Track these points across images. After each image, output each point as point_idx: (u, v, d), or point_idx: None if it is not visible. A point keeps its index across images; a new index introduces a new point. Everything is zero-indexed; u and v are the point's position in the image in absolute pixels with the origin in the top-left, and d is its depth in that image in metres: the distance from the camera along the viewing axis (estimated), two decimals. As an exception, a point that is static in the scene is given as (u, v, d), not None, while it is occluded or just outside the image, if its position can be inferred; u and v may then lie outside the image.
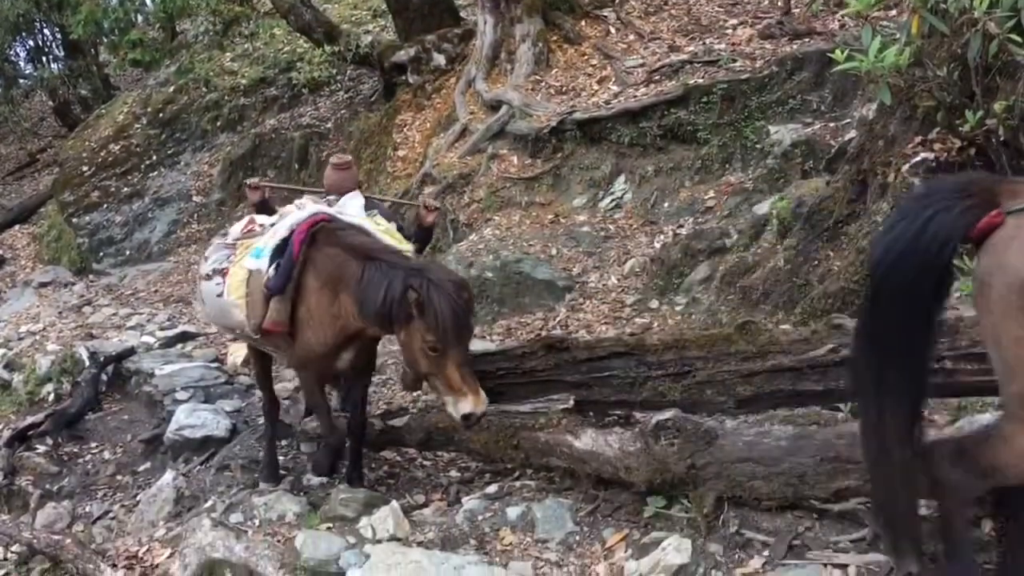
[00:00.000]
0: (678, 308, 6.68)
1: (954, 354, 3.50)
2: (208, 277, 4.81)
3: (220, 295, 4.67)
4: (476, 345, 6.07)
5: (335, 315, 4.34)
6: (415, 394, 6.12)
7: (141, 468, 5.92)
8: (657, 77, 8.92)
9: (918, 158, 4.88)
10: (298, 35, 12.86)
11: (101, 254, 12.54)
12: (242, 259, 4.65)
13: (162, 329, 8.78)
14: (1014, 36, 4.27)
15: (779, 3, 9.36)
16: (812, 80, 8.02)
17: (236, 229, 5.04)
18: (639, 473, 3.83)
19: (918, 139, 4.99)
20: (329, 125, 12.23)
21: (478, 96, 9.93)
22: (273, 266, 4.46)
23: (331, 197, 5.08)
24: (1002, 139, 4.45)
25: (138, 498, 5.36)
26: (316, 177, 11.49)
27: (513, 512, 4.11)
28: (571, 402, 4.32)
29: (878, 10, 5.11)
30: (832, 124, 7.60)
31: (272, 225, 4.78)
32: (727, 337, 4.08)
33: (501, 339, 6.81)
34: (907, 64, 4.51)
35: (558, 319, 6.97)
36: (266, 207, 5.41)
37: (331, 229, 4.53)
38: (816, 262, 5.57)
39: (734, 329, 4.12)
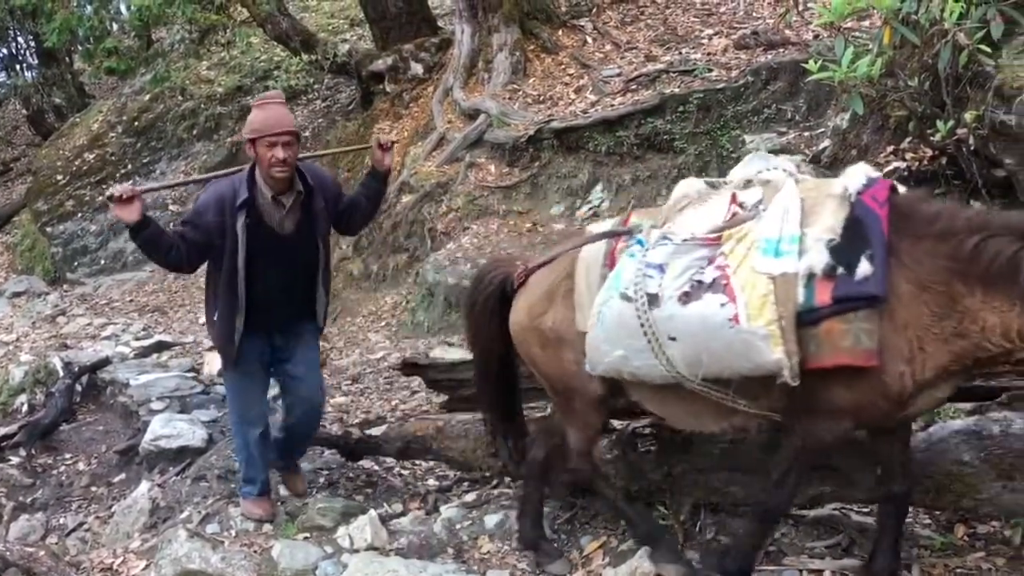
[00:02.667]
0: (655, 316, 6.69)
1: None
2: (685, 298, 3.02)
3: (730, 323, 2.91)
4: (453, 353, 6.08)
5: (956, 331, 2.79)
6: (393, 403, 6.12)
7: (116, 479, 5.86)
8: (634, 86, 8.96)
9: (891, 167, 4.95)
10: (275, 44, 12.83)
11: (75, 264, 12.42)
12: (746, 261, 2.99)
13: (137, 339, 8.72)
14: (983, 47, 4.35)
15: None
16: (787, 90, 8.10)
17: (710, 214, 3.21)
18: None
19: (891, 148, 5.06)
20: (307, 133, 12.18)
21: (456, 105, 9.94)
22: (823, 263, 2.86)
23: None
24: (972, 148, 4.53)
25: (113, 509, 5.30)
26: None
27: (491, 520, 4.11)
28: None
29: (850, 21, 5.20)
30: (807, 133, 7.67)
31: (759, 202, 3.12)
32: (703, 344, 4.10)
33: (479, 347, 6.80)
34: (879, 74, 4.58)
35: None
36: None
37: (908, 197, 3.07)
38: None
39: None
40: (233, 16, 12.49)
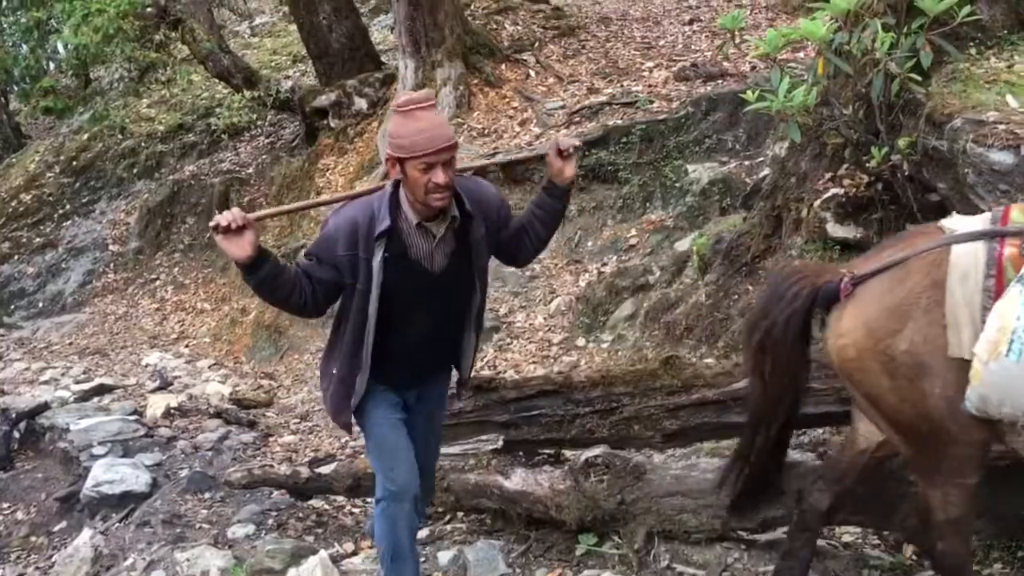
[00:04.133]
0: (604, 345, 6.74)
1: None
2: None
3: None
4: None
5: None
6: (343, 440, 6.04)
7: (56, 528, 5.68)
8: (577, 119, 9.07)
9: (829, 194, 5.05)
10: (217, 81, 12.75)
11: (12, 307, 12.09)
12: None
13: (77, 382, 8.49)
14: (914, 76, 4.47)
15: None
16: (727, 120, 8.26)
17: None
18: (570, 511, 3.83)
19: (828, 175, 5.16)
20: (250, 170, 12.10)
21: (401, 139, 9.93)
22: None
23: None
24: (907, 174, 4.63)
25: (54, 559, 5.13)
26: (237, 223, 11.36)
27: (445, 556, 4.07)
28: (500, 442, 4.32)
29: (786, 52, 5.32)
30: (747, 162, 7.82)
31: None
32: (652, 372, 4.14)
33: (429, 382, 6.76)
34: (815, 103, 4.68)
35: (486, 360, 6.96)
36: None
37: None
38: (736, 296, 5.69)
39: (659, 364, 4.18)
40: (173, 54, 12.39)
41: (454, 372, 3.63)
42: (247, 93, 11.85)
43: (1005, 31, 4.81)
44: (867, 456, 3.09)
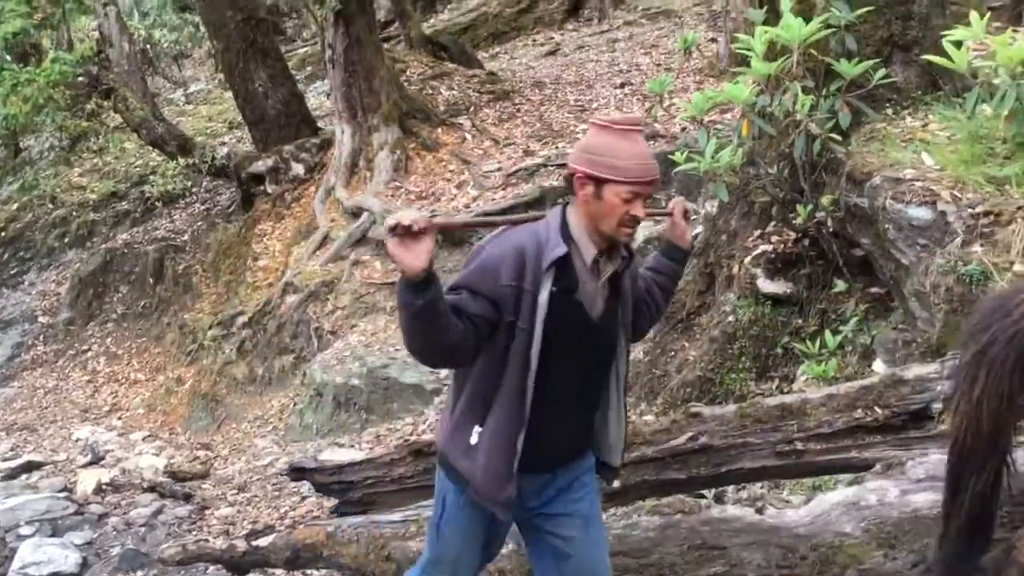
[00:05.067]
0: (546, 405, 6.74)
1: (803, 435, 3.67)
2: None
3: None
4: (341, 455, 5.94)
5: None
6: (282, 510, 5.91)
7: (-20, 614, 5.44)
8: (514, 180, 9.20)
9: (758, 251, 5.18)
10: (151, 148, 12.65)
11: (-64, 382, 11.68)
12: None
13: (4, 460, 8.19)
14: (834, 136, 4.65)
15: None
16: (659, 180, 8.43)
17: None
18: (512, 574, 3.78)
19: (757, 232, 5.29)
20: (185, 237, 11.96)
21: (338, 204, 9.95)
22: None
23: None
24: (831, 230, 4.79)
25: (-24, 648, 4.90)
26: (173, 292, 11.20)
27: (387, 628, 3.97)
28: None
29: (713, 114, 5.49)
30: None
31: None
32: (592, 431, 4.14)
33: (370, 447, 6.68)
34: (741, 163, 4.84)
35: (428, 423, 6.91)
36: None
37: None
38: (673, 353, 5.76)
39: (599, 423, 4.19)
40: (106, 122, 12.29)
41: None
42: (182, 160, 11.79)
43: (919, 92, 5.04)
44: None
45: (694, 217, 2.99)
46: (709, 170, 4.75)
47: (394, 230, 2.29)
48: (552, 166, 9.14)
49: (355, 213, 9.61)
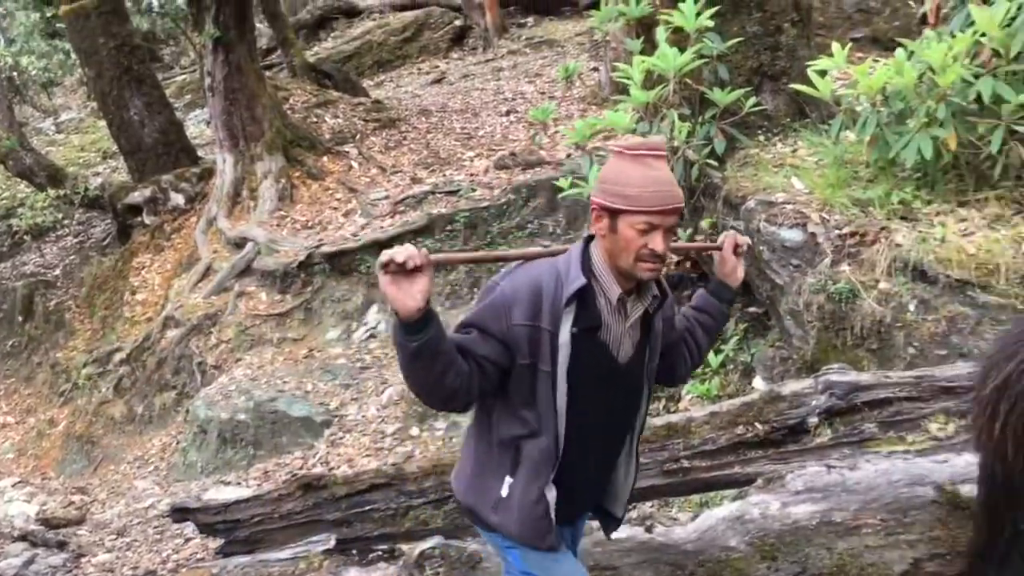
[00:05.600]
0: (438, 433, 6.70)
1: (689, 452, 3.75)
2: None
3: None
4: (227, 493, 5.76)
5: None
6: (164, 554, 5.68)
7: None
8: (402, 208, 9.16)
9: (643, 273, 5.28)
10: (19, 180, 12.08)
11: None
12: None
13: None
14: (711, 161, 4.82)
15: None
16: (546, 206, 8.56)
17: None
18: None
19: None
20: (57, 272, 11.43)
21: (221, 234, 9.70)
22: None
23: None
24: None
25: None
26: (44, 329, 10.67)
27: (278, 670, 3.85)
28: (332, 542, 4.16)
29: (596, 140, 5.61)
30: (567, 245, 8.09)
31: None
32: (484, 458, 4.13)
33: (258, 483, 6.49)
34: (623, 189, 4.93)
35: (318, 456, 6.76)
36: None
37: None
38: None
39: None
40: (-31, 152, 11.68)
41: None
42: (52, 192, 11.30)
43: (788, 119, 5.27)
44: None
45: (745, 250, 2.79)
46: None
47: (387, 267, 2.11)
48: (440, 193, 9.15)
49: (238, 244, 9.39)
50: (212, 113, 10.39)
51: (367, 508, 4.18)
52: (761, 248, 4.37)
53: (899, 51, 4.27)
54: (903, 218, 4.12)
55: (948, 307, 3.83)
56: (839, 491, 3.44)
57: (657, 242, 2.26)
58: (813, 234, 4.20)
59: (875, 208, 4.20)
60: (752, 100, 4.74)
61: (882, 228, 4.09)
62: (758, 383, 4.56)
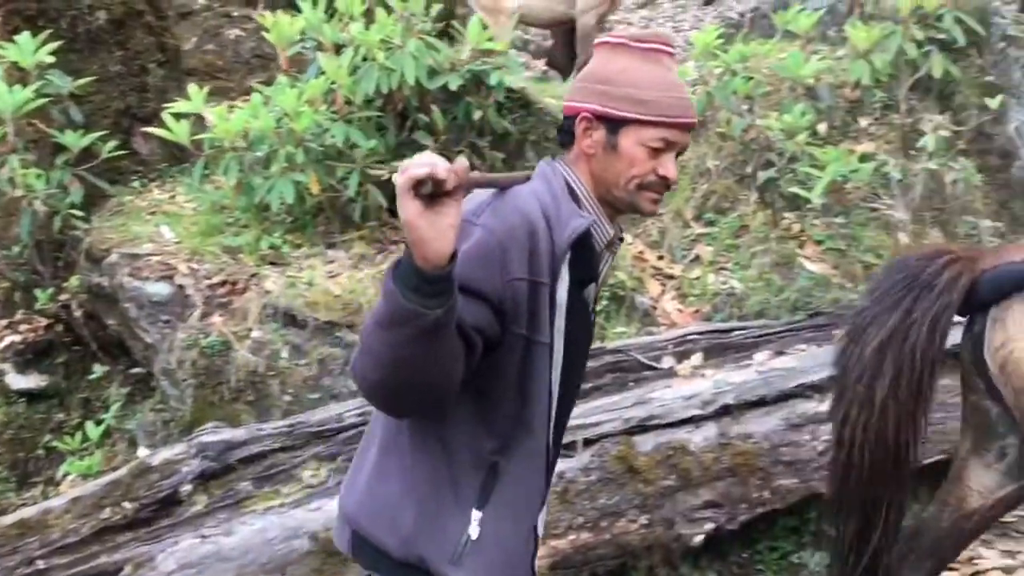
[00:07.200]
0: None
1: (47, 550, 3.27)
2: None
3: None
4: None
5: None
6: None
7: None
8: None
9: (6, 342, 4.60)
10: None
11: None
12: None
13: None
14: (76, 211, 4.32)
15: None
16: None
17: None
18: None
19: (5, 322, 4.72)
20: None
21: None
22: None
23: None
24: (83, 312, 4.44)
25: None
26: None
27: None
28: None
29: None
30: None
31: None
32: None
33: None
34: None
35: None
36: None
37: None
38: None
39: None
40: None
41: None
42: None
43: (166, 164, 4.99)
44: (975, 519, 2.27)
45: None
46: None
47: (419, 187, 1.32)
48: None
49: None
50: None
51: None
52: (127, 305, 4.00)
53: (255, 95, 4.23)
54: (272, 263, 4.07)
55: (319, 350, 3.84)
56: (214, 561, 3.22)
57: (669, 167, 1.76)
58: (181, 286, 3.95)
59: (245, 255, 4.09)
60: (112, 144, 4.35)
61: (252, 275, 3.99)
62: (143, 452, 4.17)
